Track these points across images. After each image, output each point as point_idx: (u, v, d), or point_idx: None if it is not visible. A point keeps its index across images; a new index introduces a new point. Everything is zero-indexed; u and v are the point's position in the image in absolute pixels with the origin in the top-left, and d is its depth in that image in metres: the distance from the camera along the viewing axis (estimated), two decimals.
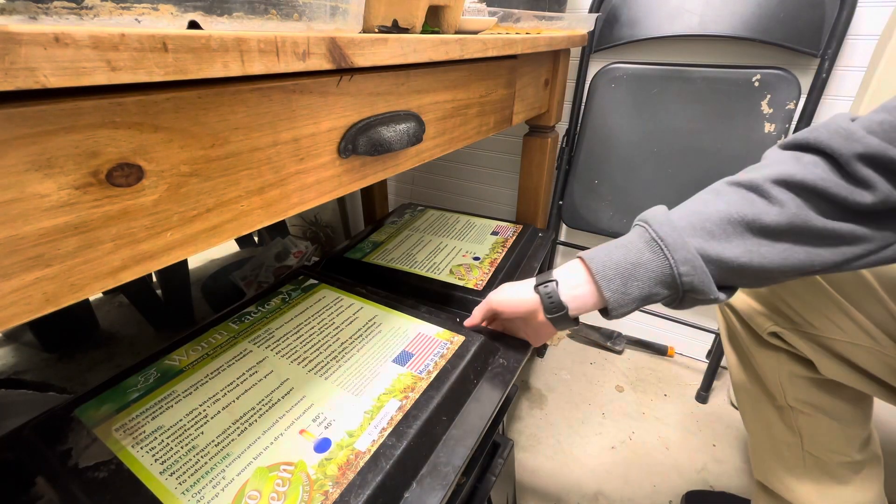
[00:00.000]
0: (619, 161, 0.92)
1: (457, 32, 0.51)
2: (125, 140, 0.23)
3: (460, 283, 0.70)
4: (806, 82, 0.85)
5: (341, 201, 1.52)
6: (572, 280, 0.46)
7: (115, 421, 0.43)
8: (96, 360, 1.00)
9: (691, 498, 0.79)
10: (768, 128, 0.87)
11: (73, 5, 0.21)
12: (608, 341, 1.17)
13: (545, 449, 0.88)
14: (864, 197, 0.37)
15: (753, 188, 0.41)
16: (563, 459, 0.86)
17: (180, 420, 0.43)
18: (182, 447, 0.41)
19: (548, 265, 1.08)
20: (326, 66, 0.31)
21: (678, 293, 0.43)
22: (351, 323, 0.56)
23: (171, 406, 0.45)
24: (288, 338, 0.54)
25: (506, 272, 0.74)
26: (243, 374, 0.48)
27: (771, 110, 0.86)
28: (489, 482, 0.54)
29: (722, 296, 0.43)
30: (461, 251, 0.80)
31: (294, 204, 0.36)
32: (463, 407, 0.46)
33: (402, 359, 0.50)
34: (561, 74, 0.93)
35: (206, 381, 0.47)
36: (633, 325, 1.23)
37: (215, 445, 0.41)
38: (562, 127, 1.10)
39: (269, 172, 0.33)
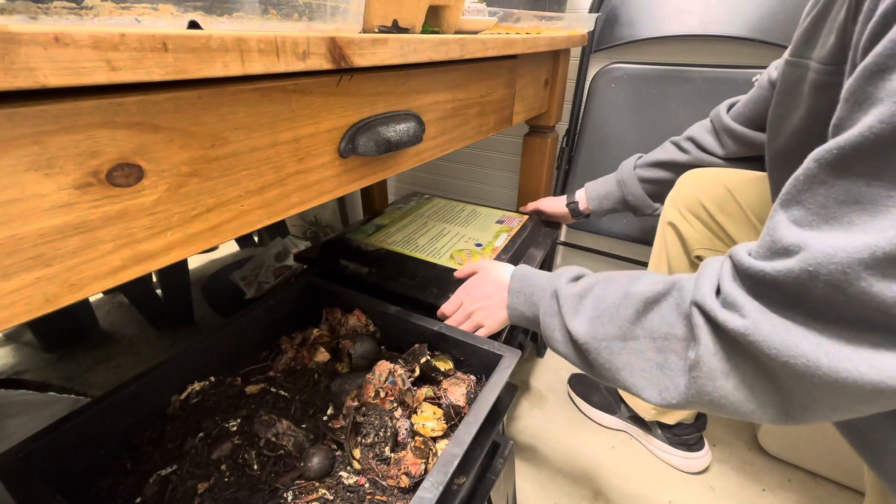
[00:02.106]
0: (619, 161, 0.92)
1: (457, 32, 0.51)
2: (125, 140, 0.23)
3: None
4: None
5: (341, 201, 1.52)
6: (581, 201, 0.88)
7: (368, 237, 0.83)
8: (96, 359, 1.00)
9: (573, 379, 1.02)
10: None
11: (73, 5, 0.21)
12: None
13: (545, 449, 0.88)
14: (718, 149, 0.71)
15: (676, 143, 0.76)
16: (562, 459, 0.86)
17: (401, 239, 0.82)
18: (410, 246, 0.79)
19: (549, 264, 1.08)
20: (326, 66, 0.31)
21: (631, 208, 0.82)
22: (462, 210, 0.96)
23: (392, 236, 0.83)
24: (427, 212, 0.95)
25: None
26: (420, 226, 0.88)
27: None
28: (489, 482, 0.54)
29: (660, 208, 0.78)
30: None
31: (294, 204, 0.36)
32: (534, 240, 0.88)
33: (500, 221, 0.91)
34: (561, 74, 0.93)
35: (400, 229, 0.86)
36: None
37: (427, 243, 0.80)
38: (562, 127, 1.10)
39: (269, 172, 0.33)
